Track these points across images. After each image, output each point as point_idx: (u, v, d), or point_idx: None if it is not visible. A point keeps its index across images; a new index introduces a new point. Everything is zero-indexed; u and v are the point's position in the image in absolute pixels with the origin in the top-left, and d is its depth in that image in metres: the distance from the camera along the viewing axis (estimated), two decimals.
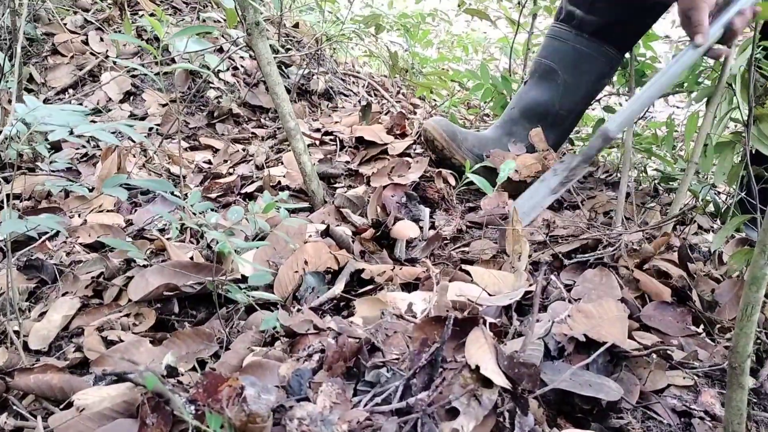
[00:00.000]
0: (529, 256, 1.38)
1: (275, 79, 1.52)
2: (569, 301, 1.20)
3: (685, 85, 1.82)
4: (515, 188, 1.68)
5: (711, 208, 1.89)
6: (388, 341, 0.81)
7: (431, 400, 0.70)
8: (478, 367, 0.74)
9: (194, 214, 1.16)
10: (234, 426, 0.60)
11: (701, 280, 1.31)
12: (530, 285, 1.25)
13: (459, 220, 1.60)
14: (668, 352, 1.06)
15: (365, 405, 0.71)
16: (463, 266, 1.32)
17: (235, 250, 0.97)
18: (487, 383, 0.75)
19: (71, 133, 1.13)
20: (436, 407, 0.70)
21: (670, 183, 2.03)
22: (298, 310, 0.98)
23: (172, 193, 1.12)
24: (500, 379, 0.74)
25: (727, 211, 1.72)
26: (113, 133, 1.56)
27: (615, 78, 2.09)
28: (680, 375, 1.08)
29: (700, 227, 1.79)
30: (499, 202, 1.71)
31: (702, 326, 1.25)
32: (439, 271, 1.22)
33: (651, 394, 1.03)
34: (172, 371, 0.70)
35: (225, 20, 2.82)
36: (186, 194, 1.53)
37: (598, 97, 2.17)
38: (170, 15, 3.19)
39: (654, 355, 1.05)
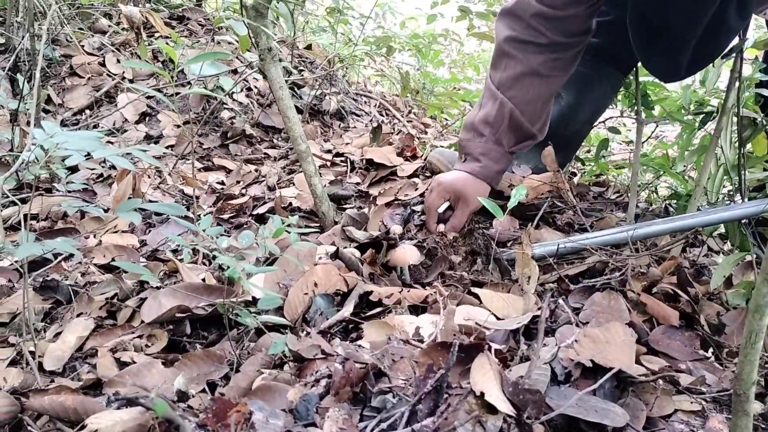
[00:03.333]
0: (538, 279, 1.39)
1: (287, 103, 1.55)
2: (577, 325, 1.21)
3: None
4: (524, 211, 1.70)
5: (722, 229, 1.89)
6: (394, 366, 0.83)
7: (436, 426, 0.71)
8: (482, 394, 0.75)
9: (206, 237, 1.19)
10: None
11: (706, 305, 1.31)
12: (538, 309, 1.26)
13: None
14: (675, 377, 1.06)
15: (371, 431, 0.72)
16: (473, 289, 1.33)
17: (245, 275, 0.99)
18: (492, 409, 0.76)
19: (88, 157, 1.16)
20: None
21: (681, 202, 2.03)
22: (307, 334, 1.00)
23: (184, 217, 1.15)
24: (504, 406, 0.75)
25: (739, 233, 1.72)
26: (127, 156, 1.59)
27: (620, 99, 2.10)
28: (688, 400, 1.08)
29: (710, 249, 1.78)
30: (510, 226, 1.72)
31: (711, 350, 1.25)
32: (447, 294, 1.23)
33: (658, 420, 1.03)
34: (182, 396, 0.72)
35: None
36: (199, 215, 1.56)
37: (602, 118, 2.19)
38: (186, 37, 3.25)
39: (661, 381, 1.05)
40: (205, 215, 1.43)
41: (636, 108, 1.66)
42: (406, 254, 1.44)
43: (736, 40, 1.55)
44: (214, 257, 1.39)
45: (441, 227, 1.59)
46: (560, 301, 1.28)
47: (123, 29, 2.85)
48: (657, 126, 1.90)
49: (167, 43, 2.56)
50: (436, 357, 0.82)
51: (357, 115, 3.15)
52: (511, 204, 1.63)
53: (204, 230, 0.98)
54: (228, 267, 0.94)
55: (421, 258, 1.48)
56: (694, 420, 1.06)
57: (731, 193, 1.77)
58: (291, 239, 1.07)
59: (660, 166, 1.87)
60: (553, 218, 1.74)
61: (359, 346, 0.94)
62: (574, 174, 2.62)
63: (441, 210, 1.62)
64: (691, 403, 1.08)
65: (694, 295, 1.38)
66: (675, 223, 1.51)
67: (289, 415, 0.75)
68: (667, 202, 2.10)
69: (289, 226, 1.11)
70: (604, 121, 2.25)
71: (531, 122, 1.63)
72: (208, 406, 0.65)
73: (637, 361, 1.13)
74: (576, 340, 1.07)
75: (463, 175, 1.63)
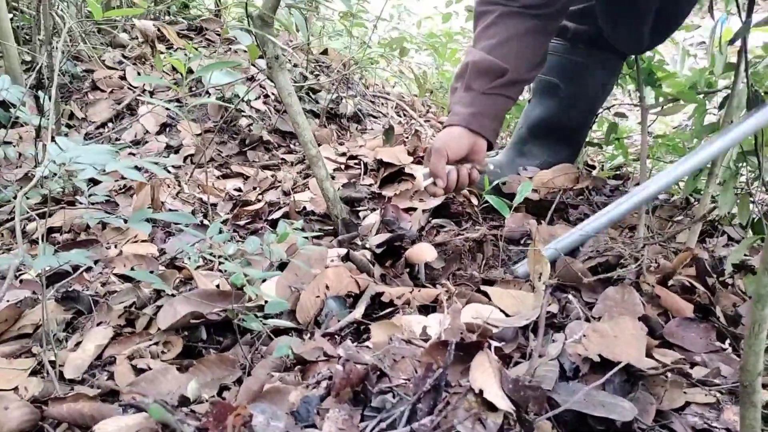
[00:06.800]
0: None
1: (296, 109, 1.57)
2: (587, 320, 1.20)
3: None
4: (536, 207, 1.69)
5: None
6: (396, 366, 0.83)
7: (435, 424, 0.72)
8: (482, 391, 0.76)
9: (219, 244, 1.21)
10: None
11: (722, 296, 1.30)
12: (549, 305, 1.26)
13: (486, 231, 1.61)
14: (686, 370, 1.05)
15: (371, 431, 0.73)
16: (482, 287, 1.33)
17: (250, 280, 1.01)
18: (492, 407, 0.76)
19: (105, 172, 1.19)
20: (441, 431, 0.72)
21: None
22: (311, 337, 1.01)
23: (198, 225, 1.18)
24: (504, 403, 0.75)
25: (759, 222, 1.69)
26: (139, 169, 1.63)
27: (627, 81, 2.09)
28: (702, 392, 1.07)
29: (730, 239, 1.76)
30: (523, 222, 1.72)
31: (727, 342, 1.24)
32: (455, 292, 1.24)
33: (671, 413, 1.02)
34: (184, 400, 0.74)
35: None
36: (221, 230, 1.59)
37: (608, 104, 2.17)
38: (204, 47, 3.30)
39: (670, 373, 1.04)
40: (221, 222, 1.46)
41: (639, 94, 1.64)
42: (423, 252, 1.44)
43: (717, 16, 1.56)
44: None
45: (439, 182, 1.53)
46: (570, 296, 1.28)
47: (138, 44, 2.91)
48: (662, 109, 1.86)
49: (185, 54, 2.61)
50: (438, 356, 0.83)
51: (374, 117, 3.16)
52: (517, 201, 1.62)
53: (211, 237, 1.00)
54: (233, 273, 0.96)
55: (437, 256, 1.48)
56: (709, 412, 1.05)
57: (749, 180, 1.74)
58: (298, 243, 1.08)
59: (673, 148, 1.84)
60: (567, 213, 1.73)
61: (360, 348, 0.95)
62: (593, 167, 2.60)
63: (419, 175, 1.55)
64: (706, 395, 1.07)
65: (710, 286, 1.36)
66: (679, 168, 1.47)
67: (291, 418, 0.76)
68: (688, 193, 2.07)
69: (299, 230, 1.13)
70: (609, 107, 2.23)
71: (505, 61, 1.55)
72: (208, 410, 0.67)
73: (649, 355, 1.12)
74: (584, 335, 1.07)
75: (443, 131, 1.59)
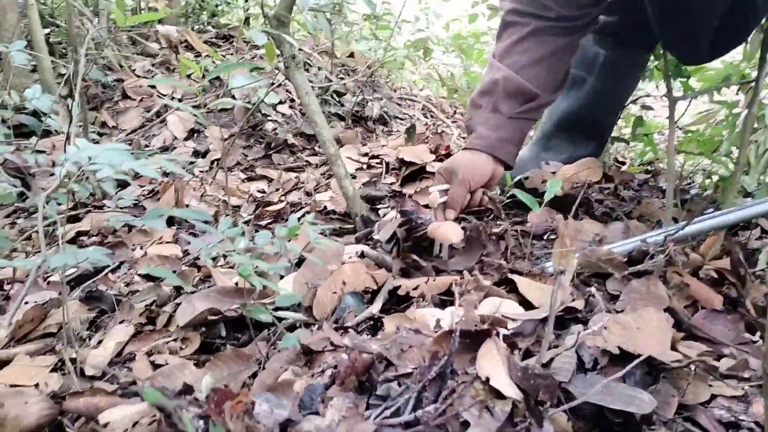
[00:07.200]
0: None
1: (314, 109, 1.57)
2: (608, 311, 1.17)
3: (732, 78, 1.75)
4: (560, 202, 1.66)
5: None
6: (403, 356, 0.82)
7: (440, 411, 0.71)
8: (488, 379, 0.74)
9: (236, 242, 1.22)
10: None
11: (753, 288, 1.25)
12: (573, 300, 1.23)
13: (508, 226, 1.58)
14: (711, 362, 1.01)
15: (375, 418, 0.72)
16: (510, 276, 1.31)
17: (261, 273, 1.01)
18: (500, 395, 0.75)
19: (132, 174, 1.21)
20: (447, 418, 0.71)
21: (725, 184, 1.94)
22: (319, 328, 1.01)
23: (213, 223, 1.18)
24: (511, 391, 0.73)
25: None
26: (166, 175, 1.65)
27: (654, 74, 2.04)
28: (729, 385, 1.03)
29: (764, 231, 1.70)
30: (547, 218, 1.69)
31: (758, 334, 1.19)
32: (473, 280, 1.22)
33: (695, 406, 0.98)
34: (188, 389, 0.74)
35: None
36: (235, 222, 1.60)
37: (634, 97, 2.12)
38: (231, 54, 3.35)
39: (694, 366, 1.01)
40: (243, 222, 1.47)
41: (667, 84, 1.59)
42: (449, 232, 1.40)
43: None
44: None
45: (449, 213, 1.51)
46: (592, 289, 1.24)
47: (160, 49, 2.96)
48: (690, 101, 1.81)
49: (212, 62, 2.65)
50: (445, 345, 0.81)
51: (401, 119, 3.16)
52: (548, 197, 1.59)
53: (222, 232, 1.00)
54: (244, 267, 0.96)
55: (462, 236, 1.44)
56: (737, 405, 1.01)
57: None
58: (311, 237, 1.08)
59: (701, 148, 1.79)
60: (592, 208, 1.69)
61: (367, 338, 0.94)
62: (622, 164, 2.54)
63: (432, 192, 1.51)
64: (733, 388, 1.03)
65: (741, 276, 1.31)
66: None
67: (296, 406, 0.75)
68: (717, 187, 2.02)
69: (312, 224, 1.13)
70: (635, 100, 2.17)
71: (535, 84, 1.51)
72: (210, 397, 0.67)
73: (674, 347, 1.09)
74: (605, 327, 1.04)
75: (464, 153, 1.55)
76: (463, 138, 2.46)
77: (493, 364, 0.76)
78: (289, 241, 1.15)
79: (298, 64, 1.53)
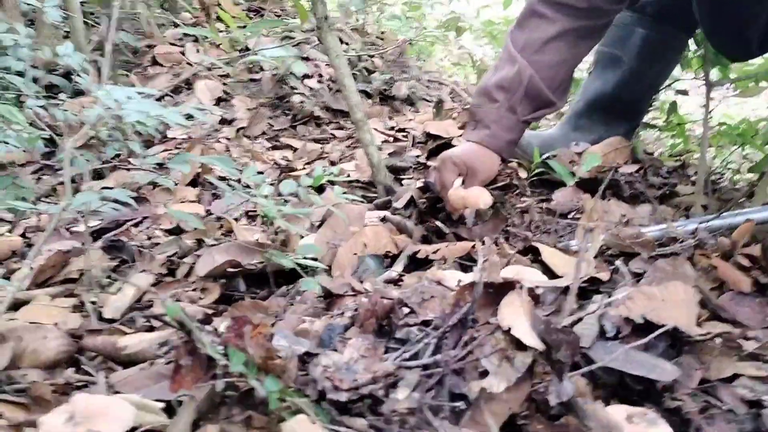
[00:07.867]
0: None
1: (344, 72, 1.56)
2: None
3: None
4: (587, 183, 1.63)
5: None
6: (424, 305, 0.81)
7: (459, 357, 0.70)
8: (510, 329, 0.73)
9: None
10: (256, 364, 0.62)
11: None
12: (598, 272, 1.21)
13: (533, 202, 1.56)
14: (737, 340, 0.99)
15: (394, 360, 0.71)
16: (534, 244, 1.29)
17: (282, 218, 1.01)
18: (521, 346, 0.73)
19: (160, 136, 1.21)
20: (466, 364, 0.70)
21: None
22: (339, 275, 1.00)
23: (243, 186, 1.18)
24: (533, 341, 0.72)
25: None
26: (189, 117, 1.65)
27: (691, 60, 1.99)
28: (753, 365, 1.01)
29: None
30: (573, 197, 1.66)
31: None
32: (492, 242, 1.20)
33: (717, 383, 0.96)
34: (207, 318, 0.73)
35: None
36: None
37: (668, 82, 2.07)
38: None
39: (720, 341, 0.98)
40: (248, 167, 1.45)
41: (705, 69, 1.55)
42: (479, 196, 1.38)
43: None
44: (271, 222, 1.42)
45: (467, 212, 1.48)
46: (618, 262, 1.22)
47: (193, 7, 2.96)
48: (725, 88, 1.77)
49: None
50: (468, 295, 0.80)
51: (428, 101, 3.14)
52: (585, 168, 1.56)
53: (248, 177, 1.00)
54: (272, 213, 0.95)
55: (491, 202, 1.42)
56: (760, 385, 0.98)
57: None
58: (335, 193, 1.07)
59: (740, 135, 1.75)
60: (620, 189, 1.66)
61: (387, 286, 0.93)
62: (651, 154, 2.50)
63: (456, 185, 1.47)
64: (758, 369, 1.01)
65: None
66: None
67: (313, 343, 0.75)
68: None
69: (334, 184, 1.12)
70: (670, 84, 2.12)
71: (551, 89, 1.49)
72: (230, 325, 0.66)
73: (698, 325, 1.07)
74: (629, 297, 1.02)
75: (473, 147, 1.51)
76: None
77: (515, 314, 0.74)
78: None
79: (330, 26, 1.52)
